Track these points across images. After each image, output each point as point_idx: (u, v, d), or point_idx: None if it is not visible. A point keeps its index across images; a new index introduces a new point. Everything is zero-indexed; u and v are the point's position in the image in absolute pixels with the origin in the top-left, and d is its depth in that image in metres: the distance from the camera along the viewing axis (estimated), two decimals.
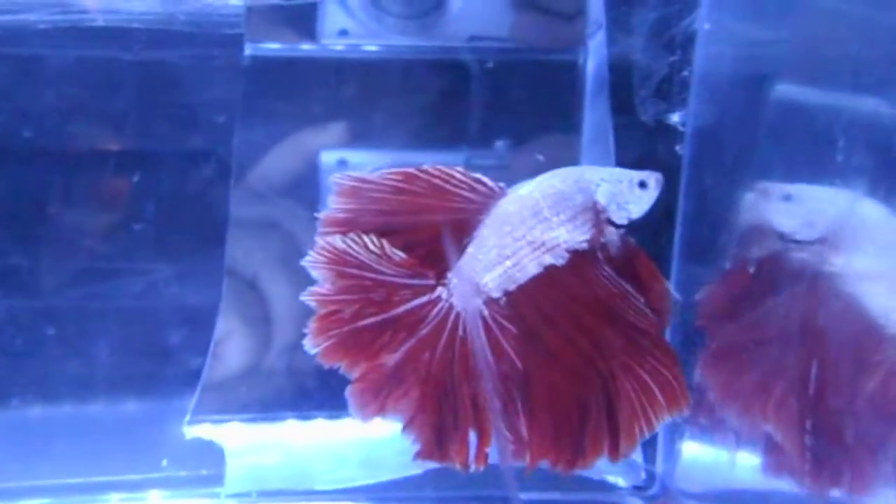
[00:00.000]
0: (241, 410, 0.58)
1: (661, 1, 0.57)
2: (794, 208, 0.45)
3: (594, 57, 0.61)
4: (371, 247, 0.42)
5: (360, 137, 0.58)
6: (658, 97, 0.56)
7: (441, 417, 0.42)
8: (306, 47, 0.59)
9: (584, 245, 0.44)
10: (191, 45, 0.56)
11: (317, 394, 0.58)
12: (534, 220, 0.43)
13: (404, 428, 0.43)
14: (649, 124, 0.57)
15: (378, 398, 0.43)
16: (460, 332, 0.43)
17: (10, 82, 0.55)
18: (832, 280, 0.43)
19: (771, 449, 0.46)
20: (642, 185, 0.45)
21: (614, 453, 0.43)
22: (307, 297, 0.43)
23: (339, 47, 0.58)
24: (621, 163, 0.54)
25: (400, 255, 0.42)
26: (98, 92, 0.56)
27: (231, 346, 0.57)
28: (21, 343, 0.57)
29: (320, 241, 0.43)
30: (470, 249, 0.43)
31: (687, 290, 0.50)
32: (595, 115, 0.61)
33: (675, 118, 0.56)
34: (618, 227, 0.44)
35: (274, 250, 0.58)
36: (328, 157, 0.58)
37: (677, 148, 0.56)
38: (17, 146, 0.56)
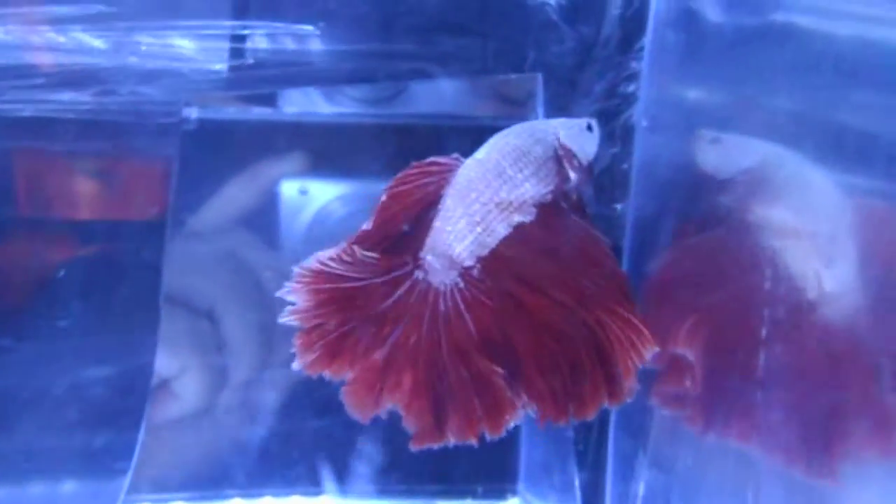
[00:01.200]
0: (180, 488, 0.55)
1: (602, 94, 0.57)
2: (719, 149, 0.47)
3: None
4: (344, 257, 0.42)
5: (320, 167, 0.57)
6: (599, 188, 0.56)
7: (437, 398, 0.41)
8: (259, 111, 0.58)
9: (549, 196, 0.44)
10: (124, 135, 0.55)
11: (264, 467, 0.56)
12: (498, 181, 0.43)
13: (404, 417, 0.41)
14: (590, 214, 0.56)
15: (373, 394, 0.41)
16: (442, 307, 0.42)
17: None
18: (752, 230, 0.43)
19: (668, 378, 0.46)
20: (589, 128, 0.47)
21: (614, 398, 0.42)
22: (287, 319, 0.41)
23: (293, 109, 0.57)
24: None
25: (372, 256, 0.42)
26: (26, 184, 0.55)
27: (187, 383, 0.54)
28: None
29: (296, 269, 0.42)
30: (437, 224, 0.42)
31: None
32: None
33: (617, 209, 0.57)
34: (580, 165, 0.45)
35: (230, 281, 0.56)
36: (289, 187, 0.57)
37: (621, 240, 0.56)
38: None
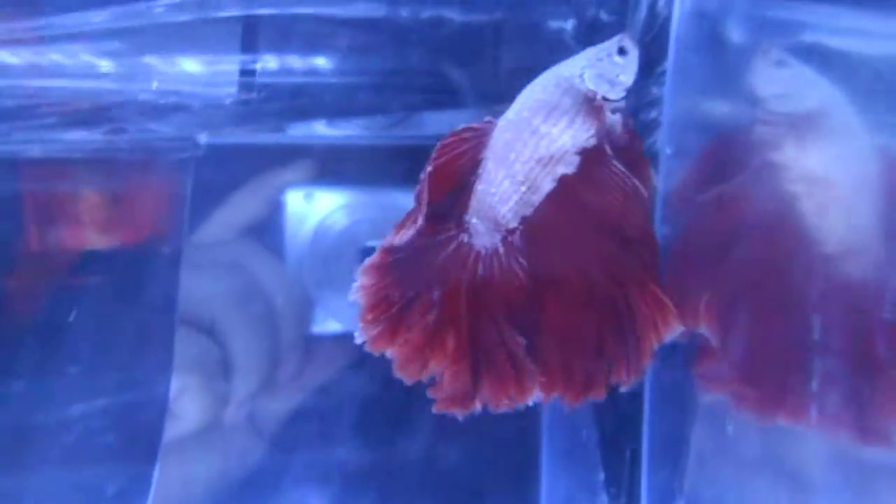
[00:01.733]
0: None
1: None
2: (780, 75, 0.43)
3: None
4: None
5: (325, 176, 0.56)
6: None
7: (475, 363, 0.42)
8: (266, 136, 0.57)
9: (592, 140, 0.42)
10: (136, 172, 0.54)
11: None
12: (534, 138, 0.42)
13: (443, 380, 0.41)
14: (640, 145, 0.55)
15: (420, 356, 0.42)
16: (480, 271, 0.42)
17: None
18: (777, 172, 0.41)
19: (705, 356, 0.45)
20: (621, 51, 0.43)
21: (630, 375, 0.42)
22: (354, 297, 0.41)
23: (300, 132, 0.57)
24: None
25: (419, 224, 0.41)
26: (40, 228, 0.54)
27: (187, 404, 0.52)
28: None
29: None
30: (480, 187, 0.42)
31: None
32: None
33: None
34: (617, 103, 0.43)
35: (234, 293, 0.54)
36: (294, 195, 0.56)
37: None
38: None
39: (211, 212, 0.54)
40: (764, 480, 0.46)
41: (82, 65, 0.49)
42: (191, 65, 0.50)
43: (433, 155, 0.43)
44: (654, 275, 0.43)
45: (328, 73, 0.51)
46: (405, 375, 0.41)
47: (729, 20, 0.52)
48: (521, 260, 0.42)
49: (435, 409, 0.41)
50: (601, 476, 0.54)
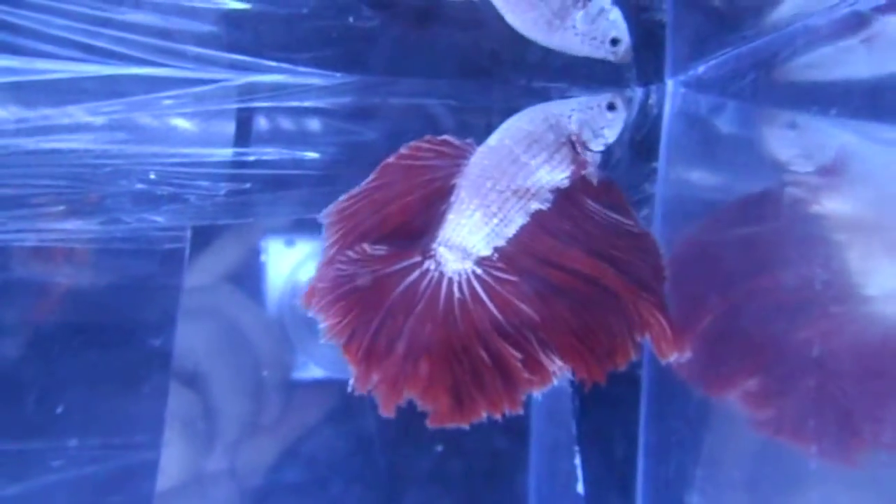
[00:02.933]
0: None
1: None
2: (796, 137, 0.43)
3: None
4: (353, 255, 0.41)
5: (306, 221, 0.54)
6: None
7: (455, 382, 0.41)
8: None
9: (566, 182, 0.42)
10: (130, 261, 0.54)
11: None
12: (514, 167, 0.42)
13: (421, 400, 0.40)
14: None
15: (396, 386, 0.41)
16: (458, 294, 0.42)
17: None
18: (816, 222, 0.40)
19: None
20: (611, 107, 0.44)
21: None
22: (326, 340, 0.41)
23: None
24: None
25: (381, 249, 0.42)
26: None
27: (171, 457, 0.51)
28: None
29: (312, 281, 0.42)
30: (450, 216, 0.42)
31: None
32: None
33: None
34: (594, 155, 0.43)
35: (216, 338, 0.54)
36: (275, 242, 0.56)
37: None
38: None
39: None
40: (763, 478, 0.44)
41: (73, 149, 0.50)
42: (185, 159, 0.52)
43: (402, 151, 0.43)
44: (653, 294, 0.42)
45: (315, 166, 0.52)
46: (384, 409, 0.41)
47: (719, 118, 0.52)
48: (505, 277, 0.42)
49: (429, 425, 0.40)
50: (593, 473, 0.52)
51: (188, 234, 0.53)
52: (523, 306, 0.41)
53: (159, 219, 0.53)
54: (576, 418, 0.54)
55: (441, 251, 0.42)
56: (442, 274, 0.42)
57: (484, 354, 0.41)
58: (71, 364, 0.53)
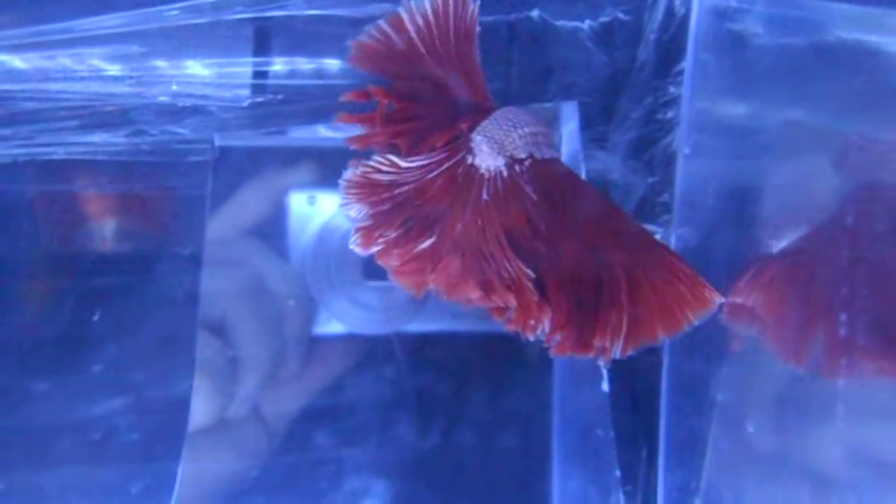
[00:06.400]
0: None
1: (640, 121, 0.55)
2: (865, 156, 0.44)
3: None
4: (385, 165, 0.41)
5: (329, 179, 0.55)
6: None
7: (485, 278, 0.40)
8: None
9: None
10: (157, 175, 0.55)
11: None
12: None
13: (449, 295, 0.40)
14: None
15: (422, 279, 0.41)
16: (484, 195, 0.41)
17: None
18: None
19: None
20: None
21: (629, 343, 0.41)
22: (353, 243, 0.42)
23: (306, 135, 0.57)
24: None
25: (413, 160, 0.41)
26: (63, 230, 0.55)
27: (198, 404, 0.52)
28: None
29: (345, 176, 0.42)
30: (497, 113, 0.42)
31: None
32: None
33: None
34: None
35: (241, 289, 0.54)
36: (298, 197, 0.55)
37: None
38: None
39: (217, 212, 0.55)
40: (784, 480, 0.45)
41: (94, 68, 0.50)
42: (202, 69, 0.51)
43: None
44: (664, 263, 0.42)
45: (342, 75, 0.51)
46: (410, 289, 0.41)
47: (748, 18, 0.51)
48: (528, 190, 0.41)
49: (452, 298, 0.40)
50: (616, 474, 0.53)
51: (214, 146, 0.53)
52: (534, 236, 0.41)
53: (183, 131, 0.54)
54: None
55: (479, 139, 0.42)
56: (475, 168, 0.41)
57: (503, 266, 0.40)
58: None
